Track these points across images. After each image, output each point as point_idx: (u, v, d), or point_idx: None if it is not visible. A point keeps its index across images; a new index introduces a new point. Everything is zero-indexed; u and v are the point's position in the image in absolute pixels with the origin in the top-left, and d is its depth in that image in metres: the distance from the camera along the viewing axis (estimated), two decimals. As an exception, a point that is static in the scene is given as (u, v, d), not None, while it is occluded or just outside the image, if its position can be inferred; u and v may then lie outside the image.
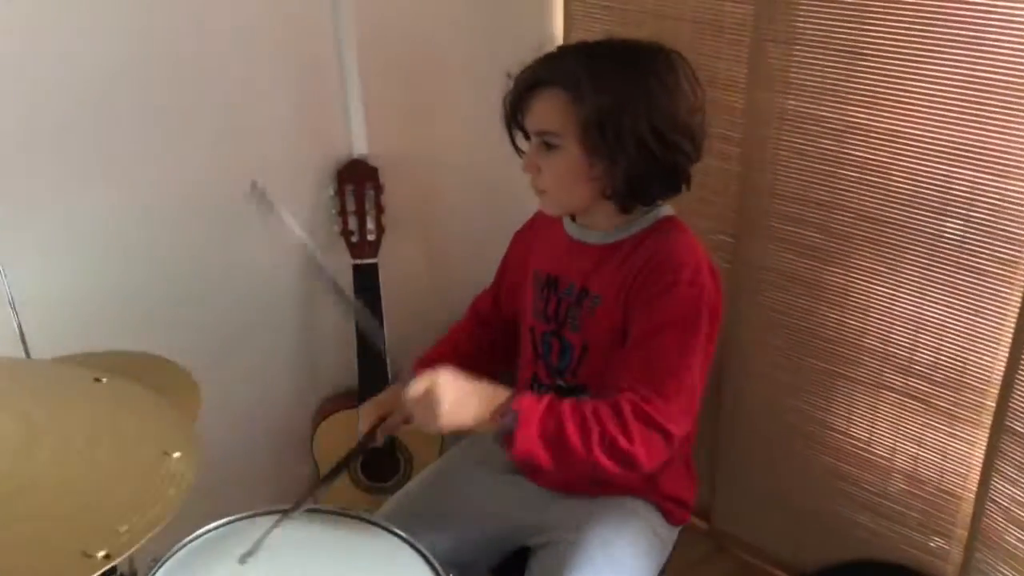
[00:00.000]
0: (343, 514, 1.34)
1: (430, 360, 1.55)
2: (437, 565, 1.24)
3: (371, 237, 1.92)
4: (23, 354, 1.22)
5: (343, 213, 1.91)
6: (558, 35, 2.15)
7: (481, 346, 1.62)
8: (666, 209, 1.44)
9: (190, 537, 1.27)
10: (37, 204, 1.61)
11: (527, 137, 1.39)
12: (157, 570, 1.21)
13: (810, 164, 1.73)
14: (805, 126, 1.71)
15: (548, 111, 1.33)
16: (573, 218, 1.47)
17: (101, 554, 0.65)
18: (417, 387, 1.23)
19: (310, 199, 1.92)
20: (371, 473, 2.06)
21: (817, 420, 1.88)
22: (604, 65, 1.31)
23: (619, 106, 1.29)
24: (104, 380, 0.93)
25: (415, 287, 2.07)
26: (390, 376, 1.93)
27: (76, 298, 1.65)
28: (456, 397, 1.23)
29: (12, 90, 1.52)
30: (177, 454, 0.79)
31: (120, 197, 1.68)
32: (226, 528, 1.29)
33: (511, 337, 1.58)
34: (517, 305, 1.57)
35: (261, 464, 1.95)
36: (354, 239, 1.91)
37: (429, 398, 1.21)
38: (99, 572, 0.63)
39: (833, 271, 1.76)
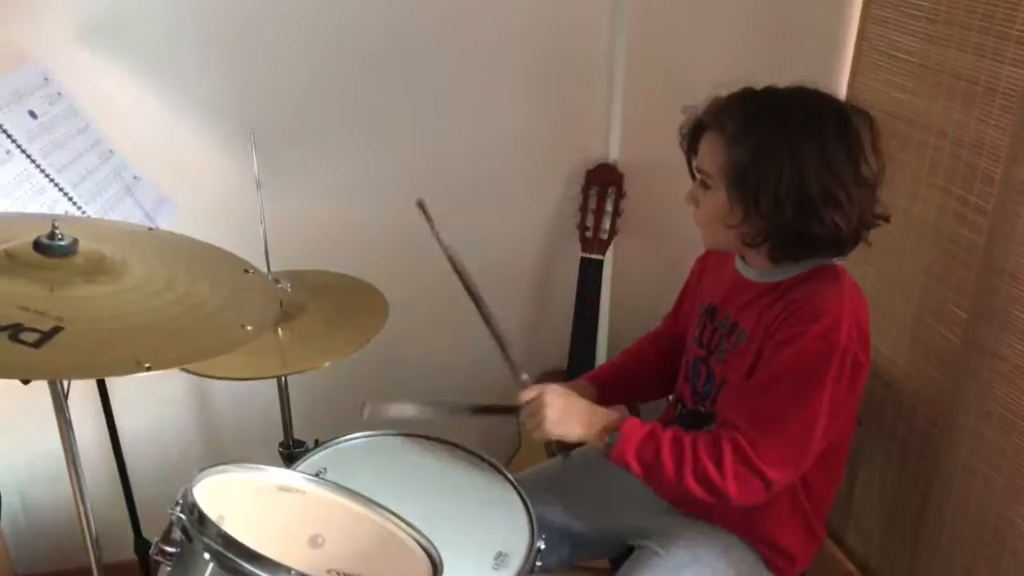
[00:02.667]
0: (483, 459, 1.56)
1: (598, 375, 1.70)
2: (535, 522, 1.41)
3: (603, 236, 2.07)
4: (264, 263, 1.59)
5: (583, 209, 2.08)
6: (844, 77, 2.11)
7: (657, 362, 1.71)
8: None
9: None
10: (307, 152, 1.97)
11: None
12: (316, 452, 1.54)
13: (1061, 253, 1.56)
14: (1061, 211, 1.55)
15: (706, 153, 1.39)
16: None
17: (146, 364, 0.91)
18: (530, 392, 1.42)
19: (559, 190, 2.13)
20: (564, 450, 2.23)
21: (1027, 538, 1.69)
22: (760, 119, 1.32)
23: (757, 162, 1.30)
24: (250, 272, 1.23)
25: (639, 290, 2.18)
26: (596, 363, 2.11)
27: (319, 230, 2.00)
28: (561, 411, 1.40)
29: (301, 58, 1.90)
30: (250, 327, 1.04)
31: (381, 159, 2.01)
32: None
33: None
34: (687, 328, 1.64)
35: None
36: (588, 234, 2.08)
37: (536, 407, 1.40)
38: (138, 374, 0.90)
39: (1068, 377, 1.57)
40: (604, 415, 1.41)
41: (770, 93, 1.36)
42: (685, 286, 1.72)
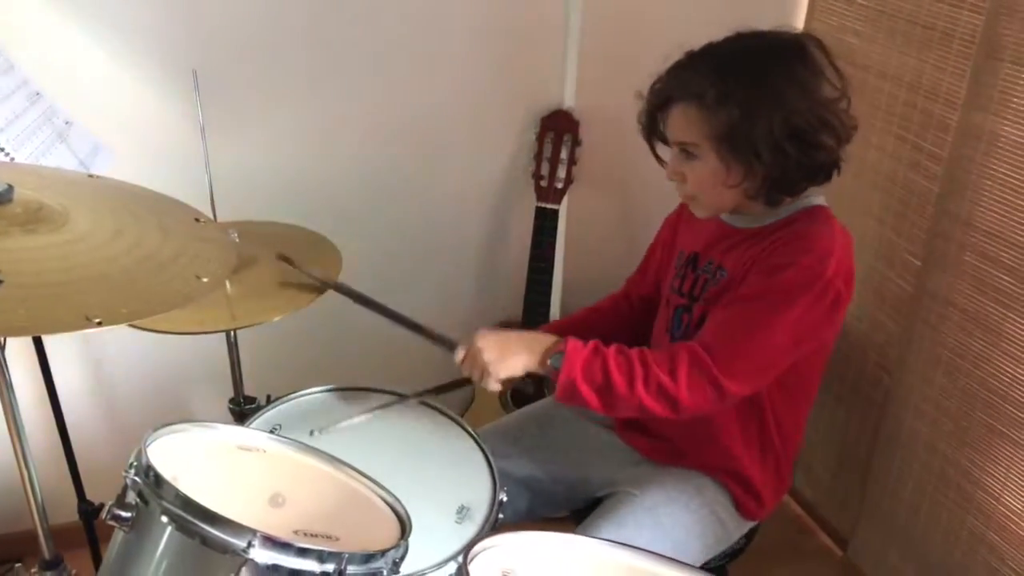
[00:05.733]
0: (441, 411, 1.53)
1: (554, 328, 1.62)
2: (496, 475, 1.39)
3: (559, 185, 2.04)
4: (211, 212, 1.51)
5: (539, 157, 2.04)
6: (799, 22, 2.09)
7: (617, 322, 1.68)
8: (818, 199, 1.42)
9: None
10: (254, 96, 1.88)
11: (668, 145, 1.41)
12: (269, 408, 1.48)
13: (1014, 199, 1.57)
14: (1016, 157, 1.56)
15: (682, 124, 1.35)
16: None
17: (96, 320, 0.85)
18: (460, 351, 1.37)
19: (514, 138, 2.08)
20: (519, 401, 2.22)
21: (972, 477, 1.73)
22: (731, 73, 1.30)
23: (748, 116, 1.28)
24: (202, 221, 1.16)
25: (595, 240, 2.16)
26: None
27: (267, 178, 1.93)
28: (500, 349, 1.35)
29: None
30: (205, 279, 0.98)
31: (332, 104, 1.93)
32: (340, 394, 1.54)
33: (651, 317, 1.63)
34: (660, 285, 1.61)
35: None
36: (543, 183, 2.04)
37: (474, 356, 1.35)
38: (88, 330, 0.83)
39: (1017, 321, 1.60)
40: (544, 339, 1.37)
41: (722, 47, 1.34)
42: (656, 242, 1.68)
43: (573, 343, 1.33)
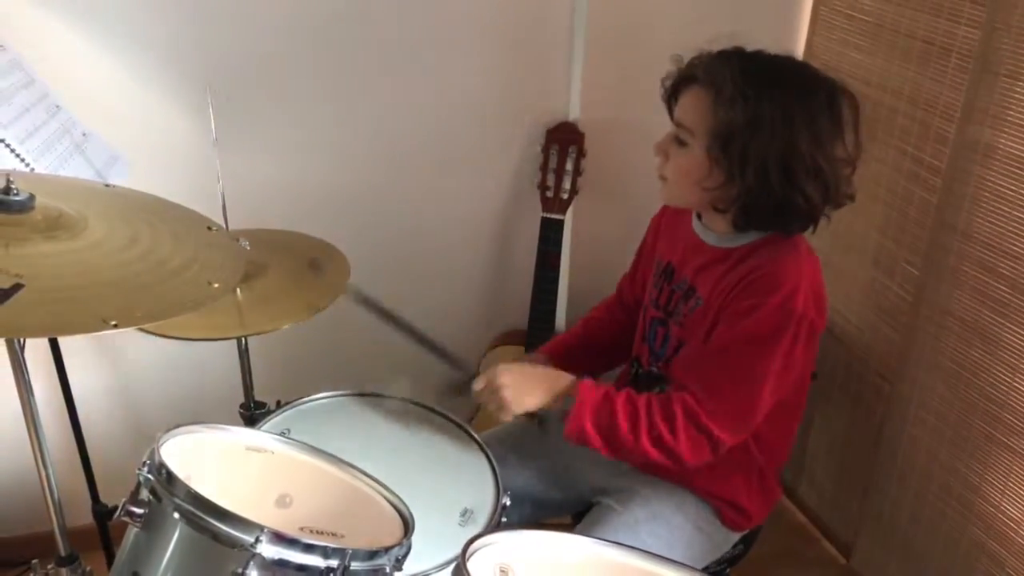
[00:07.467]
0: (447, 417, 1.55)
1: (557, 347, 1.68)
2: (500, 479, 1.42)
3: (564, 196, 2.07)
4: (223, 221, 1.55)
5: (544, 169, 2.07)
6: (801, 36, 2.13)
7: (616, 330, 1.70)
8: None
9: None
10: (265, 109, 1.92)
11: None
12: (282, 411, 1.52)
13: (1010, 210, 1.60)
14: (1012, 169, 1.59)
15: (690, 107, 1.36)
16: (700, 214, 1.50)
17: (112, 322, 0.89)
18: (480, 382, 1.42)
19: (519, 149, 2.12)
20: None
21: (972, 486, 1.75)
22: (758, 83, 1.29)
23: (753, 127, 1.28)
24: (214, 229, 1.20)
25: (599, 249, 2.19)
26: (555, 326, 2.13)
27: (278, 189, 1.97)
28: (517, 384, 1.39)
29: (259, 12, 1.84)
30: (216, 285, 1.02)
31: (341, 117, 1.97)
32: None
33: None
34: (645, 289, 1.63)
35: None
36: (548, 194, 2.07)
37: (492, 389, 1.39)
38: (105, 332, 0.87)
39: (1015, 331, 1.62)
40: (559, 378, 1.42)
41: (764, 58, 1.34)
42: (641, 246, 1.70)
43: (586, 387, 1.37)
